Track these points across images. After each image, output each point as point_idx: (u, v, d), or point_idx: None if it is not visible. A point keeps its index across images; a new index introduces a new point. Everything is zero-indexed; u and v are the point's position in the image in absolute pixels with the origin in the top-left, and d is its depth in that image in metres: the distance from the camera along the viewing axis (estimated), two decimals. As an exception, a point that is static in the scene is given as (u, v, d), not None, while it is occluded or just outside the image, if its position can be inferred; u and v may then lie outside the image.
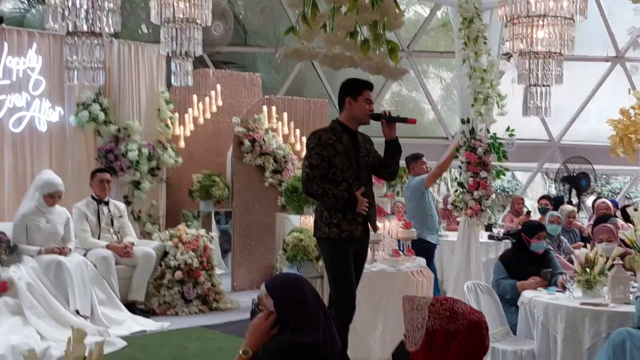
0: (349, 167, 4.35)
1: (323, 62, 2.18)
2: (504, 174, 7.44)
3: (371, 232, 4.64)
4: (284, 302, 2.59)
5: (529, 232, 5.38)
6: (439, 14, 13.28)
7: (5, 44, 6.75)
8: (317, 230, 4.49)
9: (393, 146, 4.47)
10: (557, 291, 4.87)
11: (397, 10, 2.17)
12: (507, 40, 5.11)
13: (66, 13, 3.36)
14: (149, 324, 6.00)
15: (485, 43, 6.71)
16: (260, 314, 2.64)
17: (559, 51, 4.51)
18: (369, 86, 4.45)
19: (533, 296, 4.80)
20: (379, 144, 4.56)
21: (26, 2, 11.17)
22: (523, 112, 4.93)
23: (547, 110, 4.94)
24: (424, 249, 7.10)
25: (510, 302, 5.21)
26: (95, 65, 3.61)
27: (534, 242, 5.32)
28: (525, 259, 5.32)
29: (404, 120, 4.44)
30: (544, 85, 4.71)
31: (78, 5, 3.37)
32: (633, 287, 4.76)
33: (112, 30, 3.49)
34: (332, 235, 4.36)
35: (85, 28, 3.47)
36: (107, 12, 3.44)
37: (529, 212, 9.56)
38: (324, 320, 2.68)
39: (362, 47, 2.17)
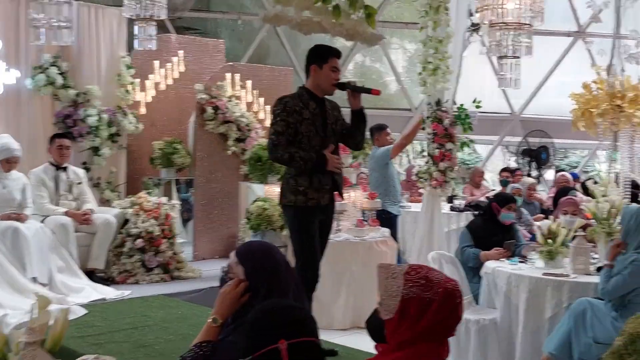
0: (316, 134, 4.28)
1: (293, 27, 2.11)
2: (469, 146, 7.49)
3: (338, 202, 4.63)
4: (255, 270, 2.55)
5: (501, 202, 5.45)
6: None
7: (-42, 3, 6.47)
8: (282, 198, 4.42)
9: (358, 116, 4.38)
10: (520, 262, 4.94)
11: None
12: (476, 12, 5.08)
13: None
14: (109, 292, 5.89)
15: (446, 14, 6.67)
16: (231, 281, 2.60)
17: (528, 23, 4.51)
18: (336, 54, 4.35)
19: (496, 266, 4.85)
20: (345, 114, 4.51)
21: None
22: (500, 84, 4.93)
23: (517, 82, 4.95)
24: (386, 220, 7.14)
25: (473, 271, 5.27)
26: (63, 24, 3.44)
27: (504, 212, 5.39)
28: (492, 228, 5.39)
29: (369, 91, 4.34)
30: (513, 57, 4.72)
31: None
32: (594, 258, 4.86)
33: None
34: (298, 203, 4.30)
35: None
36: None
37: (494, 191, 9.63)
38: (294, 289, 2.66)
39: (334, 12, 2.09)
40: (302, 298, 2.68)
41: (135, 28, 5.49)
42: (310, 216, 4.33)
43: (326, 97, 4.42)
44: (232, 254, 2.66)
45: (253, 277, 2.56)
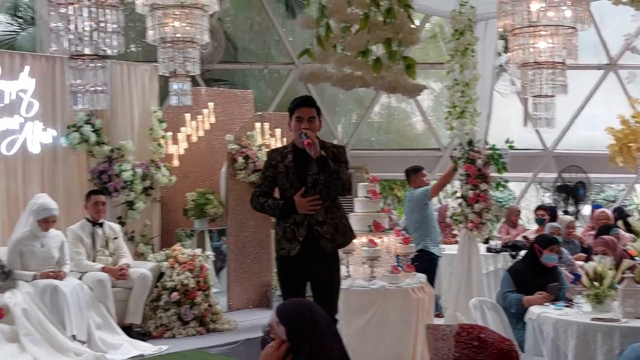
0: (290, 187, 4.46)
1: (334, 83, 2.09)
2: (504, 186, 7.40)
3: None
4: (297, 330, 2.49)
5: (543, 243, 5.33)
6: (427, 25, 13.28)
7: (-2, 67, 6.64)
8: None
9: (318, 164, 4.36)
10: (566, 306, 4.80)
11: (411, 26, 2.09)
12: (505, 51, 5.06)
13: (70, 36, 3.26)
14: (147, 348, 5.87)
15: (473, 56, 6.66)
16: (272, 342, 2.54)
17: (562, 61, 4.46)
18: (302, 103, 4.46)
19: (541, 312, 4.72)
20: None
21: (17, 24, 11.07)
22: (528, 124, 4.86)
23: (552, 121, 4.88)
24: (429, 261, 7.06)
25: (517, 317, 5.13)
26: (100, 89, 3.51)
27: (546, 254, 5.26)
28: (534, 271, 5.25)
29: (305, 137, 4.29)
30: (547, 96, 4.66)
31: (81, 28, 3.27)
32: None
33: (115, 52, 3.40)
34: (276, 250, 4.62)
35: (88, 51, 3.37)
36: (111, 33, 3.34)
37: (529, 230, 9.45)
38: (337, 347, 2.59)
39: (374, 66, 2.08)
40: (346, 356, 2.61)
41: (170, 84, 5.57)
42: (283, 265, 4.57)
43: (324, 145, 4.45)
44: (273, 313, 2.61)
45: (295, 337, 2.50)
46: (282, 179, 4.49)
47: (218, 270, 8.60)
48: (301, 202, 4.37)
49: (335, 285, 4.61)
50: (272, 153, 4.64)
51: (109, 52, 3.41)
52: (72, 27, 3.27)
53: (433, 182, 8.22)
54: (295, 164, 4.45)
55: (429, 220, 7.31)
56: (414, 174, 7.51)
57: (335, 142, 7.22)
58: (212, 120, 8.26)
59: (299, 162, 4.44)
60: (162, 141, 7.65)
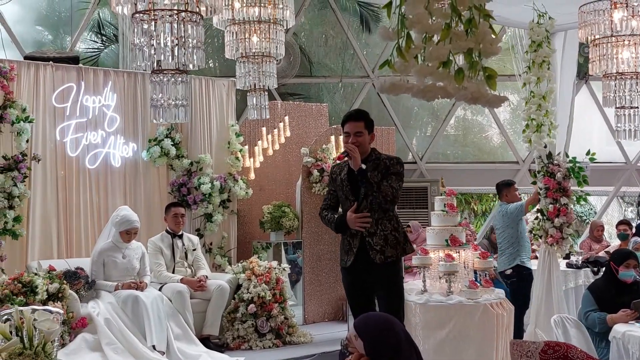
0: (345, 199, 4.58)
1: (416, 94, 2.08)
2: (585, 200, 7.16)
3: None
4: (376, 345, 2.48)
5: (617, 259, 5.14)
6: (504, 37, 13.06)
7: (82, 83, 6.92)
8: None
9: (357, 176, 4.46)
10: (652, 324, 4.60)
11: (493, 36, 2.07)
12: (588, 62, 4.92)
13: (152, 52, 3.39)
14: (224, 359, 5.95)
15: (548, 69, 6.49)
16: (351, 356, 2.54)
17: (647, 72, 4.31)
18: (349, 118, 4.60)
19: (626, 330, 4.54)
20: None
21: (101, 42, 11.53)
22: (614, 135, 4.71)
23: (636, 132, 4.71)
24: (527, 275, 6.92)
25: (600, 335, 4.95)
26: (181, 102, 3.62)
27: (622, 270, 5.07)
28: (616, 289, 5.06)
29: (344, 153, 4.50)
30: (631, 108, 4.50)
31: (163, 44, 3.40)
32: None
33: (196, 66, 3.51)
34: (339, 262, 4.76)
35: (170, 65, 3.49)
36: (192, 49, 3.45)
37: (611, 246, 9.11)
38: (417, 362, 2.57)
39: (456, 77, 2.06)
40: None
41: (249, 99, 5.68)
42: (344, 276, 4.67)
43: (378, 157, 4.54)
44: (352, 327, 2.61)
45: (373, 351, 2.49)
46: (339, 191, 4.62)
47: (293, 283, 8.65)
48: (351, 218, 4.45)
49: (392, 295, 4.60)
50: (334, 167, 4.76)
51: (190, 66, 3.51)
52: (154, 42, 3.39)
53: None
54: (349, 177, 4.53)
55: (524, 235, 7.16)
56: (505, 188, 7.36)
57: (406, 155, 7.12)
58: (288, 133, 8.35)
59: (352, 175, 4.51)
60: (239, 154, 7.79)
